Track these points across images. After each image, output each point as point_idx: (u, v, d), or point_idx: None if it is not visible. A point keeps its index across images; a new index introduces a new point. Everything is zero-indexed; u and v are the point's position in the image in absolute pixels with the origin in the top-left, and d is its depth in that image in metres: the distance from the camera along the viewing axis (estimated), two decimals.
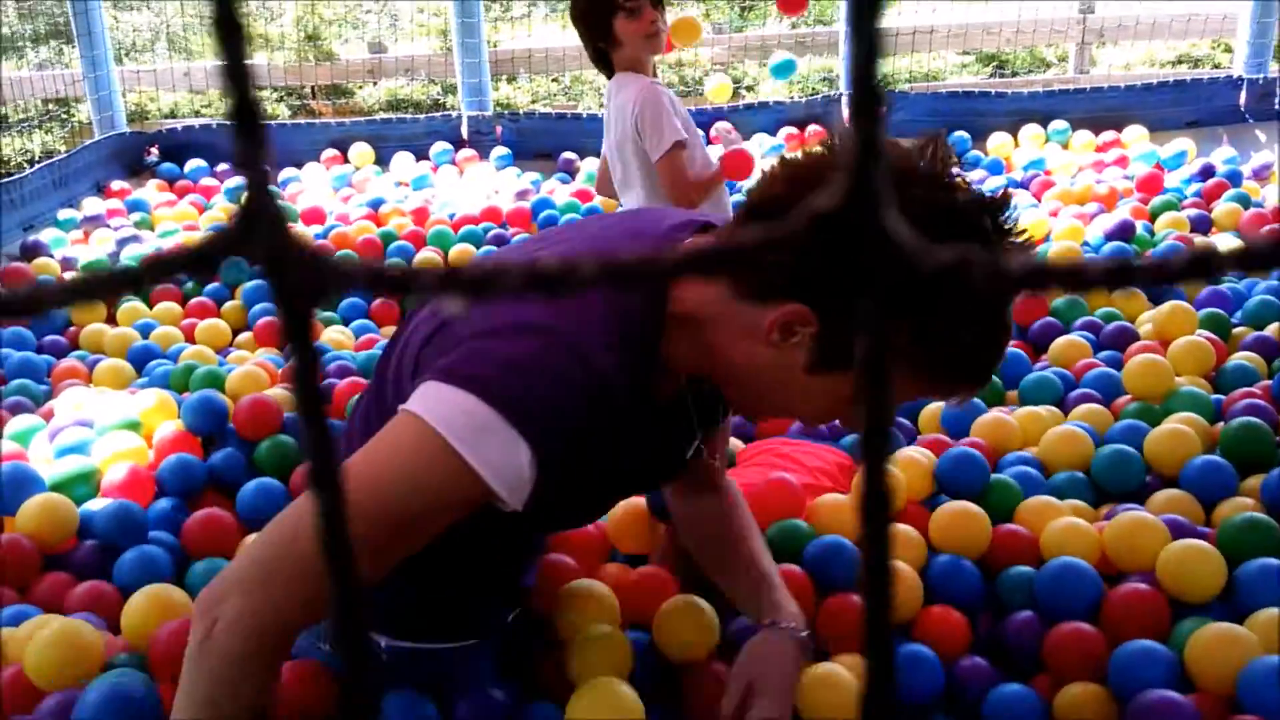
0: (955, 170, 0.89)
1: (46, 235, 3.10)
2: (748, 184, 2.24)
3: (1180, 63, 5.76)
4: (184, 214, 3.34)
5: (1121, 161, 3.34)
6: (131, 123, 4.09)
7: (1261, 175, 3.14)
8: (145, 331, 2.44)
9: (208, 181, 3.66)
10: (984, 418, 1.75)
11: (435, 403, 0.89)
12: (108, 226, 3.22)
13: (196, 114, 5.26)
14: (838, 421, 1.09)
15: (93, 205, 3.37)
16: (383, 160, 3.77)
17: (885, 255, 0.23)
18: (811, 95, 4.06)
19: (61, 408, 1.85)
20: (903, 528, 1.40)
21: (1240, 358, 1.89)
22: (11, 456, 1.62)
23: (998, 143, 3.60)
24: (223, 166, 3.72)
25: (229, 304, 2.67)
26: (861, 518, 0.24)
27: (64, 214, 3.34)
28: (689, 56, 5.71)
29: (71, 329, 2.53)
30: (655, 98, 2.28)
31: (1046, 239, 2.73)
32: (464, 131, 3.88)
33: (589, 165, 3.60)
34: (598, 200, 3.27)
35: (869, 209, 0.23)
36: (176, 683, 1.16)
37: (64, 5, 4.11)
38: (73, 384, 2.09)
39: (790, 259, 0.86)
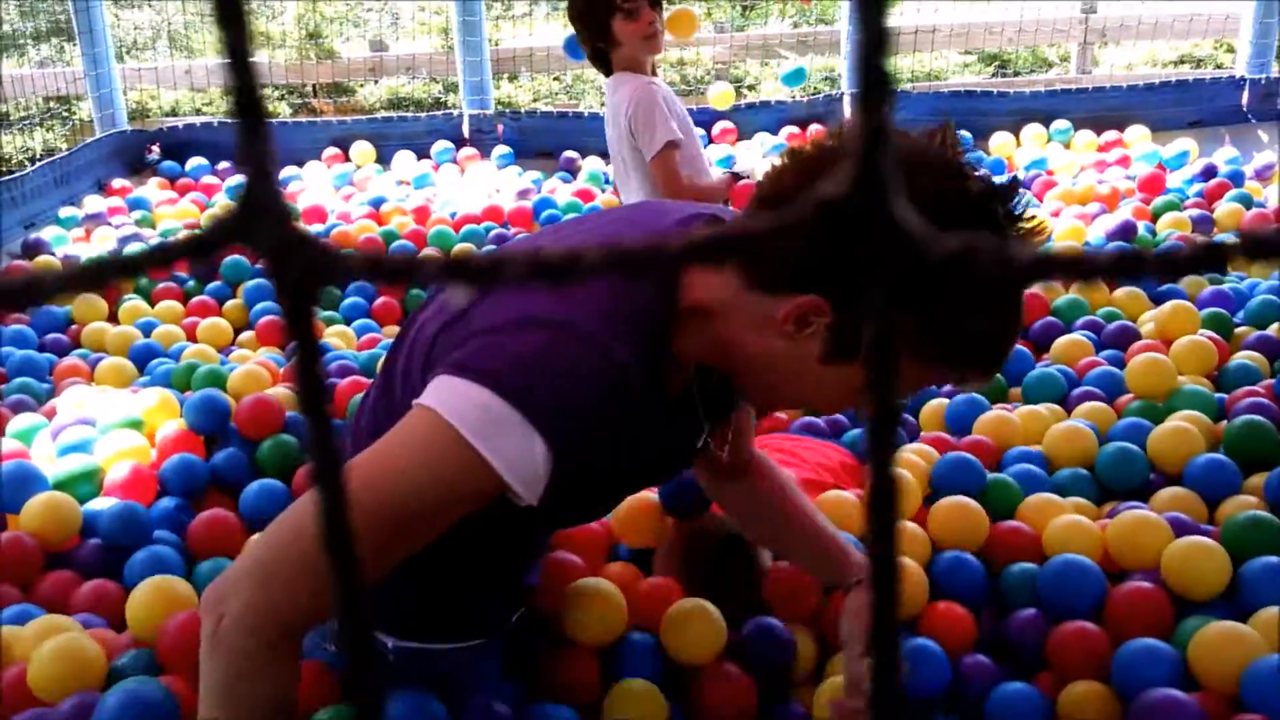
0: (964, 159, 0.90)
1: (48, 233, 3.11)
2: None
3: (1182, 63, 5.75)
4: (185, 212, 3.34)
5: (1123, 161, 3.34)
6: (133, 120, 4.09)
7: (1264, 175, 3.14)
8: (147, 330, 2.44)
9: (209, 179, 3.66)
10: (986, 416, 1.75)
11: (449, 396, 0.89)
12: (109, 224, 3.23)
13: (198, 112, 5.26)
14: (852, 410, 1.09)
15: (94, 203, 3.37)
16: (384, 159, 3.77)
17: (893, 243, 0.23)
18: (814, 94, 4.06)
19: (63, 406, 1.85)
20: (907, 524, 1.41)
21: (1242, 357, 1.89)
22: (13, 455, 1.62)
23: (1000, 142, 3.60)
24: (224, 164, 3.73)
25: (230, 302, 2.67)
26: (867, 510, 0.23)
27: (65, 212, 3.34)
28: (690, 55, 5.71)
29: (73, 327, 2.53)
30: (649, 97, 2.28)
31: (1048, 239, 2.72)
32: (465, 130, 3.88)
33: (590, 164, 3.60)
34: (600, 199, 3.27)
35: (876, 196, 0.23)
36: (187, 676, 1.17)
37: (65, 3, 4.11)
38: (74, 382, 2.09)
39: (803, 251, 0.86)
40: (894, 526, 0.24)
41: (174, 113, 5.18)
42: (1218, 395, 1.77)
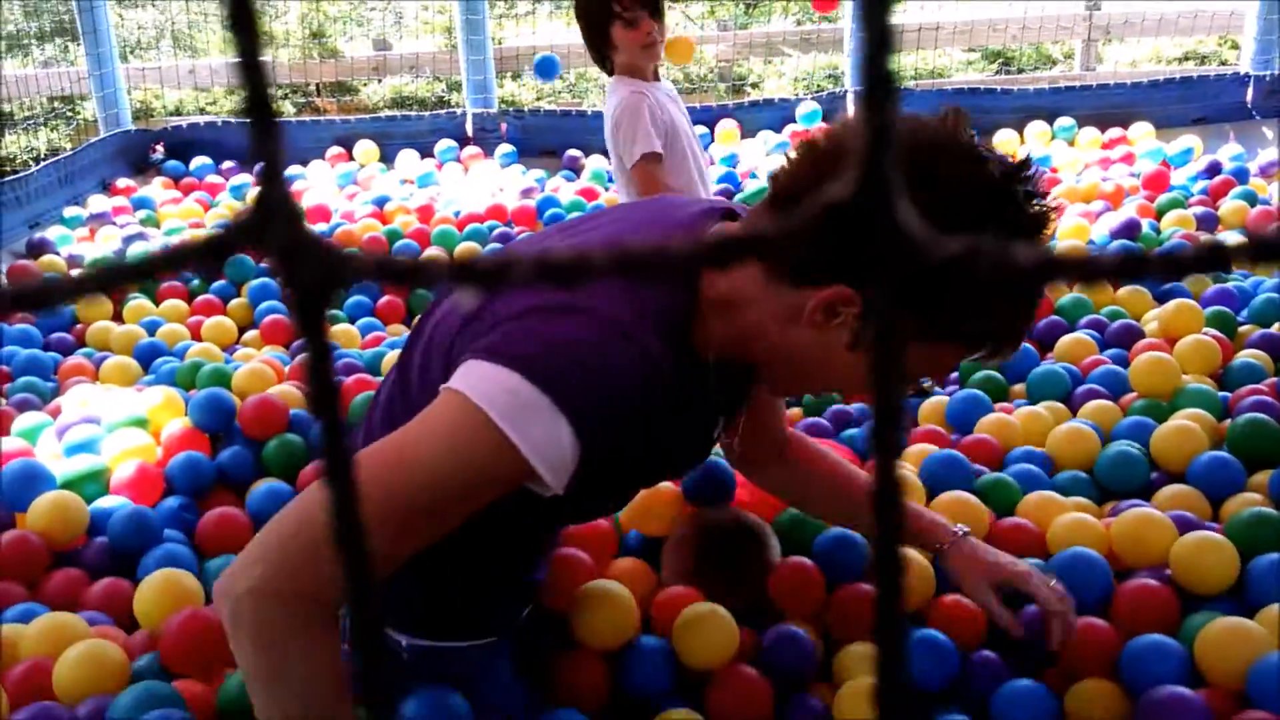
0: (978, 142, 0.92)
1: (52, 233, 3.11)
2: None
3: (1187, 59, 5.74)
4: (189, 211, 3.34)
5: (1128, 159, 3.33)
6: (136, 120, 4.10)
7: (1268, 172, 3.13)
8: (152, 329, 2.45)
9: (213, 179, 3.66)
10: (987, 418, 1.75)
11: (478, 380, 0.89)
12: (113, 224, 3.23)
13: (201, 111, 5.26)
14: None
15: (98, 203, 3.38)
16: (387, 158, 3.77)
17: (896, 245, 0.23)
18: (817, 92, 4.06)
19: (68, 405, 1.86)
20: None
21: (1246, 355, 1.88)
22: (19, 453, 1.63)
23: (1003, 140, 3.59)
24: (228, 164, 3.73)
25: (235, 301, 2.67)
26: (873, 504, 0.24)
27: (69, 211, 3.35)
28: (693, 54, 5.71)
29: (78, 326, 2.54)
30: (635, 105, 2.28)
31: (1052, 237, 2.72)
32: (469, 129, 3.88)
33: (594, 163, 3.60)
34: (603, 197, 3.28)
35: (880, 199, 0.23)
36: (191, 673, 1.17)
37: (69, 3, 4.11)
38: (79, 381, 2.09)
39: (830, 244, 0.87)
40: (899, 521, 0.25)
41: (178, 112, 5.18)
42: (1221, 394, 1.77)
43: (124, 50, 5.24)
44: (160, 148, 3.82)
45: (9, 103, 4.51)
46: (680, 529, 1.43)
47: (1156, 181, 3.06)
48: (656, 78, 2.43)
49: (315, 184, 3.55)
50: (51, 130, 4.84)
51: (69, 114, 4.85)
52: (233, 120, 3.99)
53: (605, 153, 3.13)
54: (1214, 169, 3.12)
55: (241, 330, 2.56)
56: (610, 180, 3.40)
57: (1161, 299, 2.17)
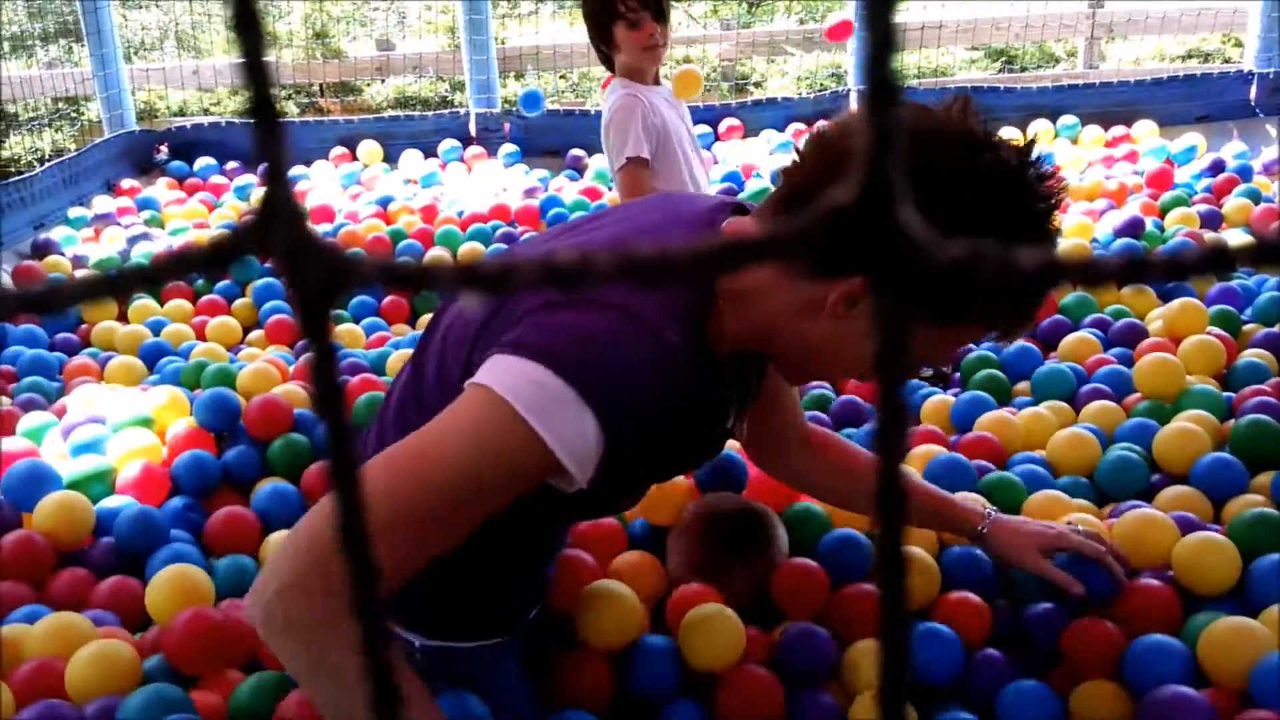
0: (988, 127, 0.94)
1: (57, 233, 3.12)
2: None
3: (1190, 57, 5.73)
4: (194, 211, 3.35)
5: (1131, 157, 3.33)
6: (141, 121, 4.11)
7: (1272, 170, 3.12)
8: (156, 329, 2.45)
9: (217, 179, 3.67)
10: (988, 416, 1.75)
11: (504, 374, 0.89)
12: (118, 224, 3.24)
13: (205, 112, 5.27)
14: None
15: (103, 203, 3.38)
16: (391, 158, 3.78)
17: (899, 249, 0.23)
18: (820, 91, 4.06)
19: (73, 405, 1.86)
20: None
21: (1251, 355, 1.88)
22: (24, 453, 1.63)
23: (1006, 138, 3.58)
24: (232, 164, 3.74)
25: (239, 301, 2.68)
26: (877, 502, 0.24)
27: (74, 212, 3.35)
28: (696, 54, 5.71)
29: (83, 326, 2.54)
30: (628, 108, 2.28)
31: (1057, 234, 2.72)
32: (472, 129, 3.89)
33: (597, 162, 3.60)
34: (606, 197, 3.28)
35: (883, 203, 0.23)
36: (196, 673, 1.17)
37: (73, 4, 4.12)
38: (84, 381, 2.10)
39: (839, 246, 0.88)
40: (902, 518, 0.25)
41: (182, 113, 5.19)
42: (1226, 394, 1.77)
43: (128, 51, 5.24)
44: (164, 148, 3.83)
45: (13, 104, 4.52)
46: (685, 517, 1.42)
47: (1160, 179, 3.05)
48: (657, 81, 2.43)
49: (319, 184, 3.56)
50: (56, 131, 4.85)
51: (73, 115, 4.86)
52: (236, 121, 3.99)
53: None
54: (1217, 167, 3.12)
55: (246, 330, 2.57)
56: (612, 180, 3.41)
57: (1166, 298, 2.17)
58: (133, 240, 3.03)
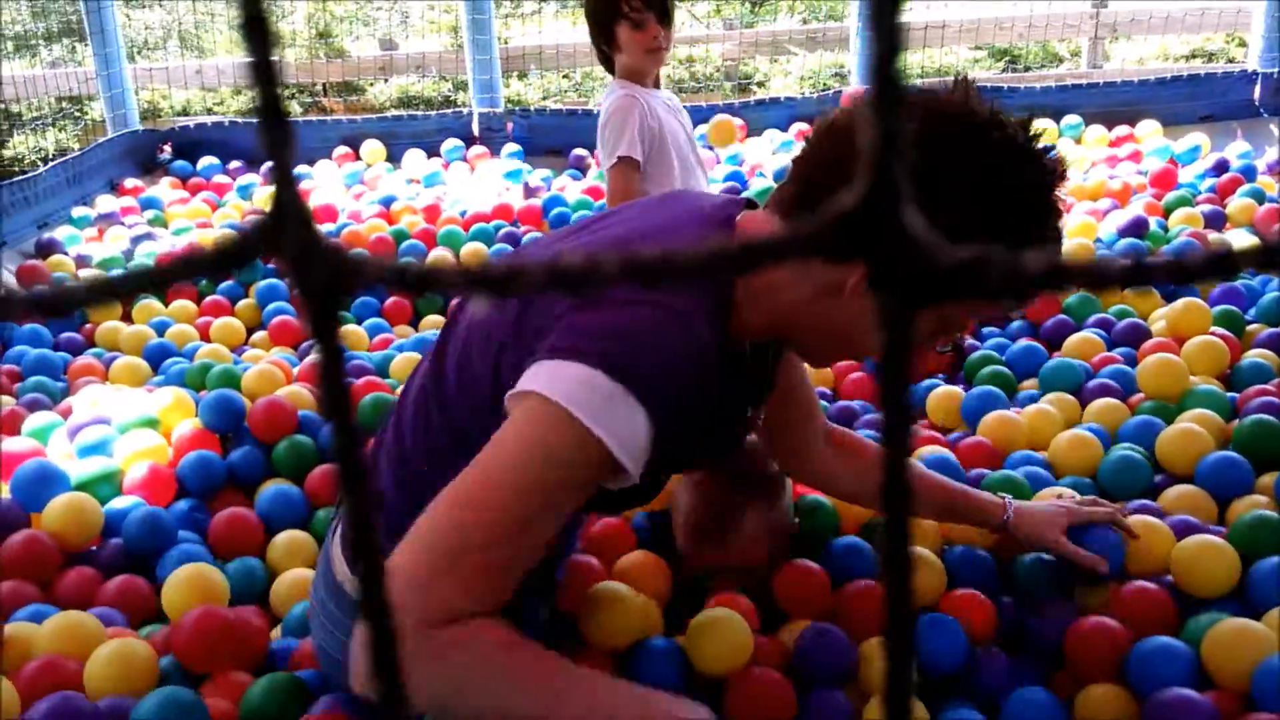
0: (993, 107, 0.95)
1: (61, 233, 3.12)
2: None
3: (1194, 57, 5.72)
4: (197, 211, 3.35)
5: (1135, 156, 3.32)
6: (144, 120, 4.11)
7: (1276, 170, 3.12)
8: (161, 329, 2.45)
9: (220, 179, 3.67)
10: (992, 416, 1.75)
11: (553, 380, 0.89)
12: (121, 224, 3.24)
13: (209, 111, 5.27)
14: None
15: (106, 203, 3.38)
16: (394, 157, 3.78)
17: (904, 252, 0.23)
18: (823, 90, 4.06)
19: (79, 405, 1.87)
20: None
21: (1255, 355, 1.88)
22: (30, 453, 1.63)
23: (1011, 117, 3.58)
24: (235, 163, 3.74)
25: (243, 302, 2.68)
26: (883, 491, 0.24)
27: (78, 212, 3.36)
28: (699, 53, 5.71)
29: (87, 326, 2.54)
30: (625, 109, 2.28)
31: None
32: (475, 128, 3.89)
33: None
34: (607, 197, 3.28)
35: (889, 206, 0.23)
36: (207, 672, 1.17)
37: (76, 4, 4.13)
38: (89, 381, 2.10)
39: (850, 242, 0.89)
40: (908, 516, 0.25)
41: (185, 112, 5.19)
42: (1230, 395, 1.77)
43: (131, 50, 5.25)
44: (168, 148, 3.83)
45: (17, 103, 4.53)
46: (687, 510, 1.40)
47: (1164, 179, 3.05)
48: (656, 85, 2.42)
49: (322, 184, 3.56)
50: (59, 131, 4.86)
51: (76, 114, 4.87)
52: (240, 120, 4.00)
53: None
54: (1221, 166, 3.11)
55: (250, 331, 2.57)
56: None
57: (1169, 298, 2.17)
58: (136, 240, 3.04)
